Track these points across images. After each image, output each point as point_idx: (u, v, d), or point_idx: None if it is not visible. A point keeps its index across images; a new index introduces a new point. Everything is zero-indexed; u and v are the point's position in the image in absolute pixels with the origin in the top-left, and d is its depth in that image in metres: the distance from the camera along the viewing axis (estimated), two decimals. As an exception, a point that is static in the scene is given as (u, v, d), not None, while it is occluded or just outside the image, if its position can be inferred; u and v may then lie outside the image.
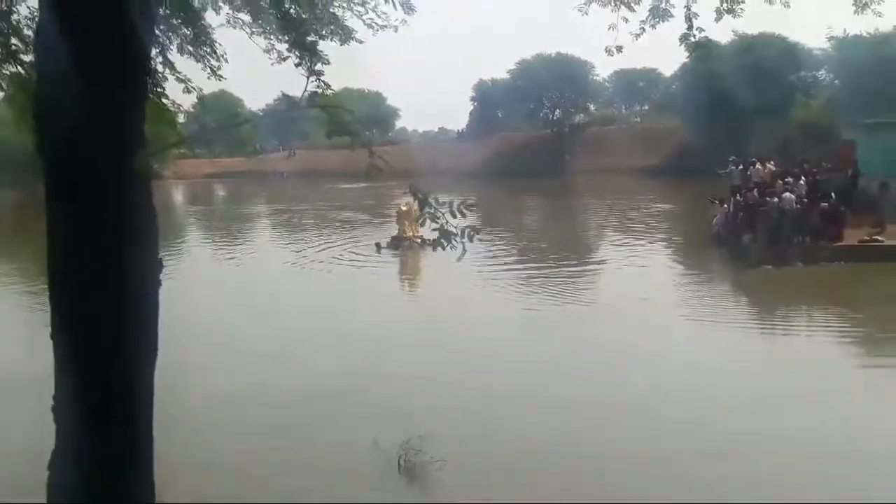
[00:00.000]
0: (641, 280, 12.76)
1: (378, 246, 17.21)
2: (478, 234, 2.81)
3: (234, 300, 12.16)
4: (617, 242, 17.44)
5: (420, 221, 2.79)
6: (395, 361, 8.19)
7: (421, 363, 8.08)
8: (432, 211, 2.76)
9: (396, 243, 17.04)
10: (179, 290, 12.01)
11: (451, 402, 6.79)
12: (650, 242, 17.25)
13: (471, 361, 8.15)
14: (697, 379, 7.55)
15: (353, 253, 16.58)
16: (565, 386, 7.30)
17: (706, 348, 8.61)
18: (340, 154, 60.93)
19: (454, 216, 2.79)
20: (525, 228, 21.49)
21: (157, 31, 3.99)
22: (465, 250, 2.79)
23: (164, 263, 2.75)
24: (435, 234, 2.83)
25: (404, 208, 17.30)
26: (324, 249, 17.45)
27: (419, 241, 16.91)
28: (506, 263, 14.75)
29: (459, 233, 2.77)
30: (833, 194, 14.63)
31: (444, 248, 2.82)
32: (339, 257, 16.16)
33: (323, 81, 3.40)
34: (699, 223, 18.42)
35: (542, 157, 55.01)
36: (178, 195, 52.25)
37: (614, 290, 12.20)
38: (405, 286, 14.44)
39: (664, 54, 75.47)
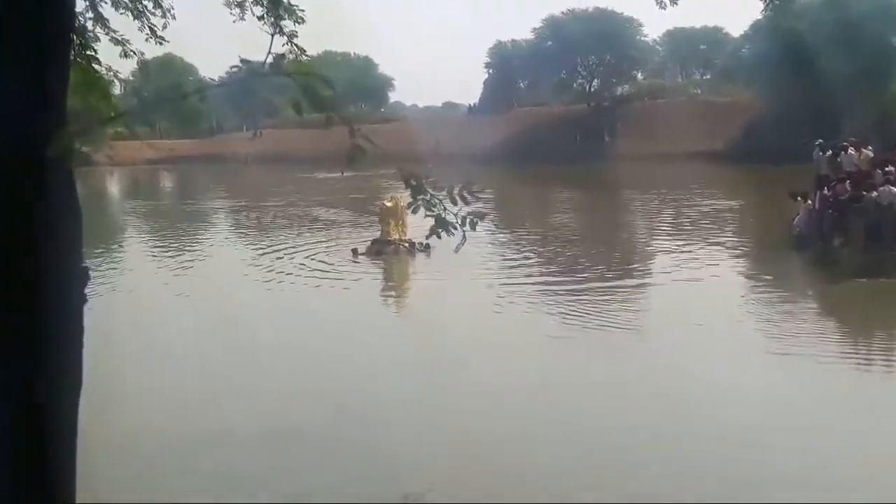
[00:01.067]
0: (700, 297, 12.66)
1: (355, 252, 17.20)
2: (482, 219, 2.82)
3: (174, 325, 11.96)
4: (669, 248, 17.40)
5: (412, 209, 2.79)
6: (373, 422, 7.71)
7: (411, 432, 7.43)
8: (427, 198, 2.76)
9: (379, 248, 17.06)
10: (111, 309, 12.05)
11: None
12: (712, 247, 17.20)
13: (479, 420, 7.62)
14: (786, 447, 6.76)
15: (325, 263, 16.48)
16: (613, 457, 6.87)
17: (788, 396, 8.18)
18: (319, 135, 61.25)
19: (455, 203, 2.79)
20: (552, 229, 21.46)
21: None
22: (464, 238, 2.81)
23: (92, 274, 2.74)
24: (432, 236, 2.83)
25: (389, 204, 17.40)
26: (294, 257, 17.43)
27: (407, 245, 17.01)
28: (526, 276, 14.73)
29: (459, 221, 2.78)
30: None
31: (439, 237, 2.88)
32: (304, 269, 15.93)
33: (295, 45, 3.40)
34: (775, 223, 18.35)
35: (575, 137, 55.07)
36: (114, 186, 52.56)
37: (664, 310, 12.09)
38: (389, 307, 14.11)
39: (731, 9, 75.25)
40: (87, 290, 2.70)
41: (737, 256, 16.74)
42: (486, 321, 11.59)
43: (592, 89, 61.11)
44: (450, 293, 13.60)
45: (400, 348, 10.55)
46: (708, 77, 69.24)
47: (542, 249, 17.80)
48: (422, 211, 2.79)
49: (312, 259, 16.96)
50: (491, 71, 67.55)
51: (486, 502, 6.26)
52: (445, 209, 2.89)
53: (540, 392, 8.49)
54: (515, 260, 16.52)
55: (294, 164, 56.54)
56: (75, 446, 2.67)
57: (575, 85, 62.32)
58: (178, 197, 43.01)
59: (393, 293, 15.09)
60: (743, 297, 12.78)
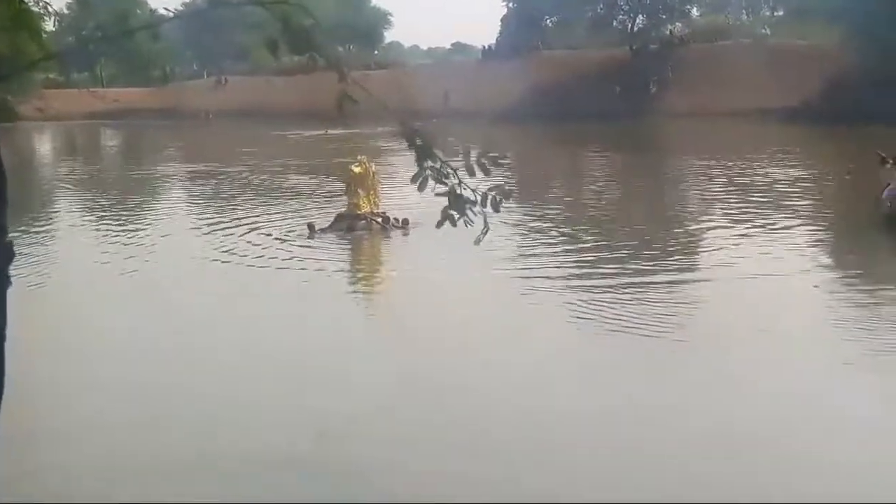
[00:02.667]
0: (765, 291, 12.37)
1: (311, 228, 16.75)
2: (507, 198, 2.74)
3: (101, 318, 11.85)
4: (730, 228, 17.31)
5: (419, 182, 2.67)
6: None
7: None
8: (438, 167, 2.68)
9: (345, 224, 16.73)
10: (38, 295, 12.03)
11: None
12: (781, 230, 17.08)
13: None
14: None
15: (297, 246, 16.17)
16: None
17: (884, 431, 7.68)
18: (298, 84, 60.96)
19: (472, 174, 2.71)
20: (582, 205, 21.39)
21: None
22: (486, 227, 2.75)
23: (17, 251, 2.74)
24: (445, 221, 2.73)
25: (357, 169, 17.13)
26: (263, 237, 17.27)
27: (380, 220, 16.86)
28: (547, 264, 14.49)
29: (479, 199, 2.70)
30: None
31: (454, 224, 2.75)
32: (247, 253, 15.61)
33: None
34: (861, 195, 18.19)
35: (615, 88, 54.85)
36: (45, 145, 52.70)
37: (721, 310, 11.64)
38: (359, 306, 13.12)
39: (811, -71, 74.72)
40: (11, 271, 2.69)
41: (812, 236, 16.62)
42: (496, 327, 11.09)
43: (636, 29, 60.86)
44: (445, 280, 13.25)
45: (380, 359, 9.86)
46: (780, 14, 68.77)
47: (569, 229, 17.65)
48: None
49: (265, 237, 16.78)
50: (511, 4, 67.22)
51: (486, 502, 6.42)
52: (461, 182, 2.76)
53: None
54: (539, 238, 16.33)
55: (267, 119, 56.52)
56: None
57: (615, 23, 62.19)
58: (122, 161, 43.07)
59: (365, 284, 14.57)
60: (818, 289, 12.61)
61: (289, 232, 17.22)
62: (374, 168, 17.63)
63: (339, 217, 17.03)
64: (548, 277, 13.37)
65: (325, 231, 16.70)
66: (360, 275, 15.21)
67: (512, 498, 6.62)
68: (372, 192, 17.14)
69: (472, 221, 2.77)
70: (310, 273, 14.03)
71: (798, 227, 17.38)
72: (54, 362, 9.46)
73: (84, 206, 24.51)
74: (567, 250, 15.62)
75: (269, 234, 16.99)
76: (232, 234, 17.29)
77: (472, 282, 13.07)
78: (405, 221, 16.87)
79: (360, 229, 16.63)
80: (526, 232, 16.93)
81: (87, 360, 9.88)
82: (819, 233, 17.36)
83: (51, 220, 21.24)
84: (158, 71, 78.66)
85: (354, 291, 13.94)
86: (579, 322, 11.19)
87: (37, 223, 19.49)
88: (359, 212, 16.87)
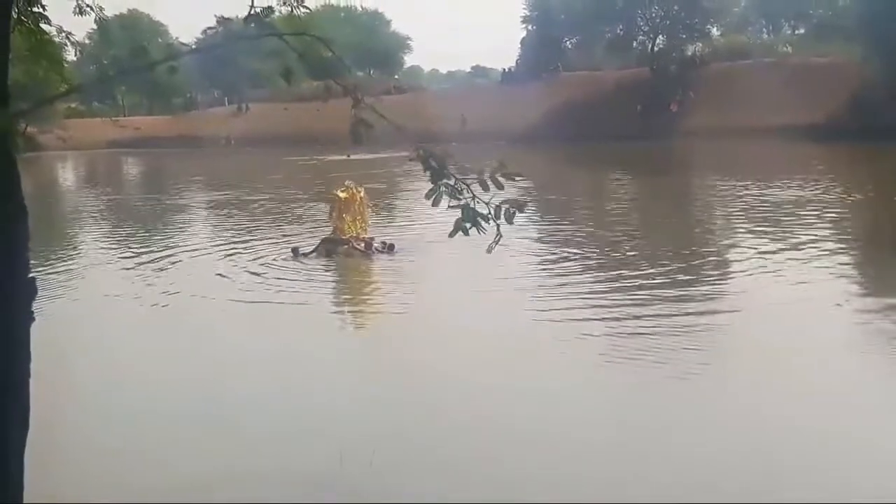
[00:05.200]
0: (799, 325, 11.67)
1: (295, 252, 17.29)
2: (521, 210, 2.82)
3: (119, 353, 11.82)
4: (757, 248, 17.04)
5: (433, 199, 2.78)
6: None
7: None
8: (452, 184, 2.76)
9: (329, 248, 17.17)
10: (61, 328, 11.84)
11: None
12: (809, 255, 16.65)
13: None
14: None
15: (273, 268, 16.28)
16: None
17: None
18: (318, 108, 61.07)
19: (485, 188, 2.79)
20: (606, 227, 21.29)
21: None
22: (499, 234, 2.81)
23: (39, 286, 2.76)
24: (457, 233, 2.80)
25: (343, 195, 17.48)
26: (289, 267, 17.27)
27: (362, 245, 17.13)
28: (570, 290, 13.97)
29: (493, 212, 2.77)
30: None
31: (466, 233, 2.88)
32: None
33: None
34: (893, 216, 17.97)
35: (635, 109, 54.84)
36: (68, 174, 53.29)
37: (750, 342, 11.05)
38: (348, 339, 12.56)
39: (831, -54, 74.62)
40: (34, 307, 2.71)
41: (842, 263, 16.03)
42: (498, 362, 10.36)
43: (656, 49, 60.82)
44: (448, 304, 13.05)
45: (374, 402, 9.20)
46: (801, 32, 68.58)
47: (593, 253, 17.47)
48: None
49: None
50: (530, 27, 67.51)
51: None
52: (475, 197, 2.88)
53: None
54: (562, 263, 15.95)
55: (288, 145, 56.95)
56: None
57: (635, 43, 62.17)
58: (143, 188, 43.43)
59: (352, 307, 14.49)
60: (854, 317, 12.12)
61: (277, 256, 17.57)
62: (361, 193, 17.97)
63: (323, 241, 17.40)
64: (573, 319, 12.39)
65: (308, 255, 17.08)
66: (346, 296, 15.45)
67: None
68: (359, 217, 17.51)
69: (485, 231, 2.86)
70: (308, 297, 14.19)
71: (832, 248, 16.88)
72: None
73: (116, 233, 24.65)
74: (587, 272, 15.34)
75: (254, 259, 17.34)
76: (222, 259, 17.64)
77: (471, 300, 12.73)
78: (391, 246, 17.32)
79: (340, 254, 16.98)
80: (547, 263, 16.77)
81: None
82: (851, 254, 16.88)
83: (77, 254, 21.29)
84: (180, 99, 79.52)
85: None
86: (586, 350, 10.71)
87: (58, 254, 19.53)
88: (343, 236, 17.21)
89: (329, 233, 17.68)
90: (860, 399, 8.85)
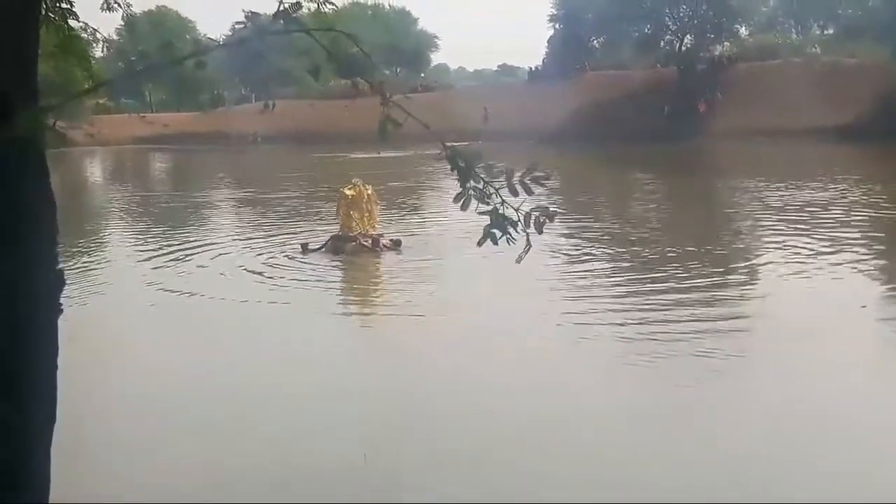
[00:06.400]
0: (834, 337, 11.17)
1: (304, 248, 17.62)
2: (551, 220, 2.77)
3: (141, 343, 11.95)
4: (789, 253, 16.80)
5: (461, 202, 2.72)
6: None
7: None
8: (481, 187, 2.72)
9: (338, 245, 17.36)
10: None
11: None
12: (843, 261, 16.31)
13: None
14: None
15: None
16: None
17: None
18: (346, 106, 61.21)
19: (514, 193, 2.75)
20: (633, 230, 21.14)
21: None
22: (529, 244, 2.77)
23: (67, 279, 2.77)
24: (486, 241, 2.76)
25: (350, 192, 17.61)
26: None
27: (369, 242, 17.27)
28: (595, 297, 13.82)
29: (523, 220, 2.72)
30: None
31: (495, 242, 2.81)
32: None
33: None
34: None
35: (662, 109, 54.53)
36: (95, 170, 53.72)
37: (781, 355, 10.71)
38: (357, 341, 12.50)
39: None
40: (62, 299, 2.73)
41: (878, 274, 15.67)
42: (532, 366, 10.32)
43: (684, 48, 60.45)
44: (464, 309, 12.85)
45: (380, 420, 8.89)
46: (830, 32, 67.93)
47: (620, 258, 17.39)
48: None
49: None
50: (557, 26, 67.31)
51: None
52: (504, 202, 2.81)
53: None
54: (589, 268, 15.87)
55: (315, 142, 57.10)
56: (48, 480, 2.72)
57: (662, 43, 61.83)
58: (171, 185, 43.68)
59: (359, 309, 14.59)
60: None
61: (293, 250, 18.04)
62: (369, 191, 18.09)
63: (333, 238, 17.64)
64: (600, 323, 12.26)
65: (316, 250, 17.42)
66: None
67: None
68: (367, 214, 17.64)
69: (514, 240, 2.80)
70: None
71: (861, 257, 16.62)
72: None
73: (144, 230, 24.84)
74: (614, 278, 15.28)
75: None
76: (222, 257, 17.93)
77: (489, 305, 12.62)
78: (397, 242, 17.55)
79: (347, 251, 17.17)
80: (573, 262, 16.70)
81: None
82: (887, 260, 16.56)
83: (103, 249, 21.51)
84: (206, 96, 79.98)
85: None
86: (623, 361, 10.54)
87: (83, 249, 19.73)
88: (351, 233, 17.37)
89: (339, 231, 17.90)
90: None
